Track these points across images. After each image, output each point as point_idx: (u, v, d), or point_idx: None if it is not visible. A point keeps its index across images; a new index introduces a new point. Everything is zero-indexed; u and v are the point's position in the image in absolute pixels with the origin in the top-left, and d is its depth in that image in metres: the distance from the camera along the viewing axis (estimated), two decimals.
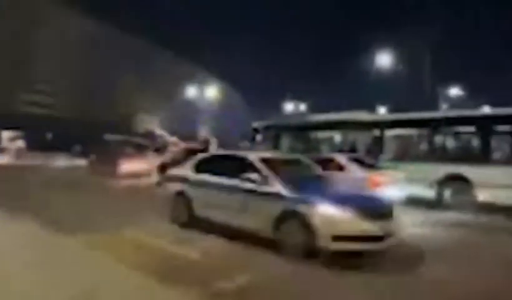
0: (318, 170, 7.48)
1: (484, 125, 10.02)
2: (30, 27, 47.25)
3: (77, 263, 4.96)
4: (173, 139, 27.43)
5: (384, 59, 32.47)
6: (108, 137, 21.30)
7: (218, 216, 6.57)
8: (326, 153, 11.39)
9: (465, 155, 10.18)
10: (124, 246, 5.83)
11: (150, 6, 49.97)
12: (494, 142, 10.00)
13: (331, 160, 9.68)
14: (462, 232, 7.52)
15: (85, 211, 8.53)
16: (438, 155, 10.60)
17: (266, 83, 50.65)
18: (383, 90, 38.57)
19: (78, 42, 50.43)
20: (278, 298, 4.16)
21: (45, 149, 34.55)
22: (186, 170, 7.46)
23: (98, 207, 9.27)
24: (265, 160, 6.36)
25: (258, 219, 5.81)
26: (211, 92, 45.41)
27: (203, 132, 46.10)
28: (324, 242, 5.04)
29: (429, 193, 10.07)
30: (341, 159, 9.80)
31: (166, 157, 16.16)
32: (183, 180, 7.30)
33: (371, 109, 28.63)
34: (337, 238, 5.00)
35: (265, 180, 5.87)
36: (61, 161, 26.30)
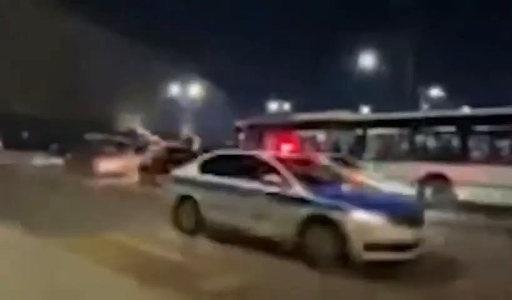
0: (336, 170, 7.09)
1: (464, 125, 10.21)
2: (7, 23, 45.90)
3: (54, 265, 4.79)
4: (155, 137, 27.12)
5: (367, 60, 32.92)
6: (88, 136, 20.85)
7: (228, 220, 6.05)
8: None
9: (445, 155, 10.36)
10: (104, 248, 5.66)
11: (131, 4, 49.19)
12: (473, 141, 10.20)
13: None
14: (443, 231, 7.61)
15: (65, 212, 8.28)
16: (419, 154, 10.75)
17: (250, 82, 50.56)
18: (366, 91, 39.06)
19: (58, 40, 49.28)
20: None
21: (22, 148, 33.73)
22: (191, 171, 6.90)
23: (78, 208, 9.02)
24: (280, 160, 5.91)
25: (278, 225, 5.34)
26: (195, 90, 45.06)
27: (186, 130, 45.71)
28: (357, 251, 4.65)
29: (411, 192, 10.19)
30: (322, 159, 9.81)
31: (146, 156, 15.95)
32: (188, 181, 6.74)
33: (355, 108, 28.91)
34: (370, 247, 4.63)
35: (285, 182, 5.39)
36: (38, 160, 25.74)
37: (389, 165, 10.50)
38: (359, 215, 4.73)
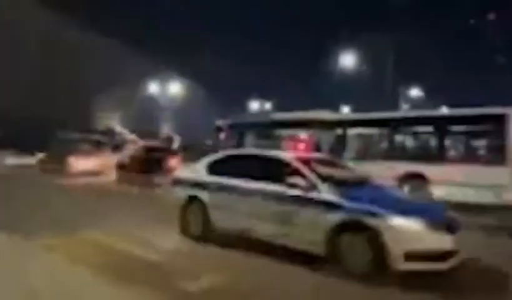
0: (359, 171, 6.61)
1: (441, 125, 10.41)
2: None
3: (30, 265, 4.66)
4: (132, 136, 26.72)
5: (348, 60, 33.32)
6: (65, 134, 20.36)
7: (240, 225, 5.61)
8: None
9: (423, 154, 10.54)
10: (81, 247, 5.53)
11: (109, 2, 48.34)
12: (450, 141, 10.43)
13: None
14: None
15: (41, 212, 8.02)
16: (398, 154, 10.90)
17: (231, 81, 50.31)
18: (347, 90, 39.51)
19: (34, 37, 47.89)
20: None
21: None
22: (197, 171, 6.45)
23: (54, 207, 8.76)
24: (301, 161, 5.42)
25: (303, 231, 4.88)
26: (175, 88, 44.59)
27: (166, 129, 45.21)
28: (396, 261, 4.25)
29: None
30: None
31: (124, 154, 15.69)
32: (195, 183, 6.30)
33: (335, 108, 29.22)
34: (410, 256, 4.24)
35: (310, 185, 4.93)
36: (11, 159, 24.99)
37: (368, 164, 10.60)
38: (398, 222, 4.32)
